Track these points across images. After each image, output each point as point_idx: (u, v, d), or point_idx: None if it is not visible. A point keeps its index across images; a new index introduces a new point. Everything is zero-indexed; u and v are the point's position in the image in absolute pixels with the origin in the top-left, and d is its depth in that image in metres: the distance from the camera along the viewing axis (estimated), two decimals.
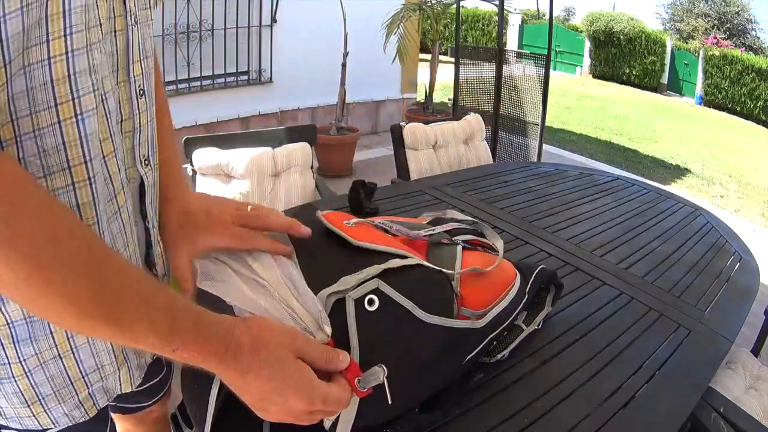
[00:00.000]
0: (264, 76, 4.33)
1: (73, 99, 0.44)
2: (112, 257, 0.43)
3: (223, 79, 4.10)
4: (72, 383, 0.55)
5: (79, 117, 0.45)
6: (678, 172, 5.74)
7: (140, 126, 0.57)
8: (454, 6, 4.44)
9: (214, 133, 2.11)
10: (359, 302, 0.57)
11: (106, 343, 0.57)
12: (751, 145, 8.05)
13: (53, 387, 0.54)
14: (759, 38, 15.02)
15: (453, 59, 4.19)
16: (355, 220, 0.73)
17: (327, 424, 0.57)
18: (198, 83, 3.91)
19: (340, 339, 0.56)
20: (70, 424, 0.57)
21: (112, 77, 0.52)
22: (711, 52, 12.23)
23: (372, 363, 0.57)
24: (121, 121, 0.55)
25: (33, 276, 0.37)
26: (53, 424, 0.55)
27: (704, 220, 1.69)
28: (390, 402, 0.56)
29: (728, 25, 14.96)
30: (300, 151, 1.78)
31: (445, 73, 6.95)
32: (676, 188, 4.92)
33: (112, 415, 0.71)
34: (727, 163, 6.42)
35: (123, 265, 0.44)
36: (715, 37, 13.86)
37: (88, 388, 0.57)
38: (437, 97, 6.44)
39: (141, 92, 0.57)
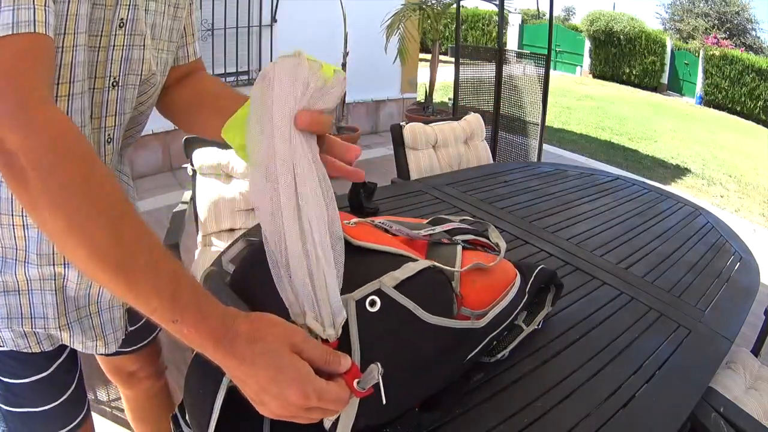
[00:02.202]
0: None
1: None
2: (135, 218, 0.48)
3: (223, 79, 4.09)
4: (21, 317, 0.68)
5: None
6: (678, 172, 5.73)
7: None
8: (454, 6, 4.44)
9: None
10: (360, 303, 0.57)
11: (54, 301, 0.69)
12: (751, 145, 8.05)
13: (8, 312, 0.67)
14: (759, 38, 15.02)
15: (453, 59, 4.19)
16: (355, 219, 0.73)
17: (327, 424, 0.57)
18: None
19: (341, 339, 0.56)
20: (14, 350, 0.70)
21: (89, 126, 0.63)
22: (711, 52, 12.22)
23: (372, 363, 0.57)
24: None
25: (64, 208, 0.44)
26: (1, 343, 0.69)
27: (704, 220, 1.69)
28: (384, 403, 0.56)
29: (728, 24, 14.96)
30: None
31: (445, 73, 6.95)
32: (676, 188, 4.92)
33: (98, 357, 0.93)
34: (727, 163, 6.42)
35: (142, 227, 0.48)
36: (715, 37, 13.86)
37: (33, 327, 0.70)
38: (437, 97, 6.44)
39: (109, 140, 0.67)
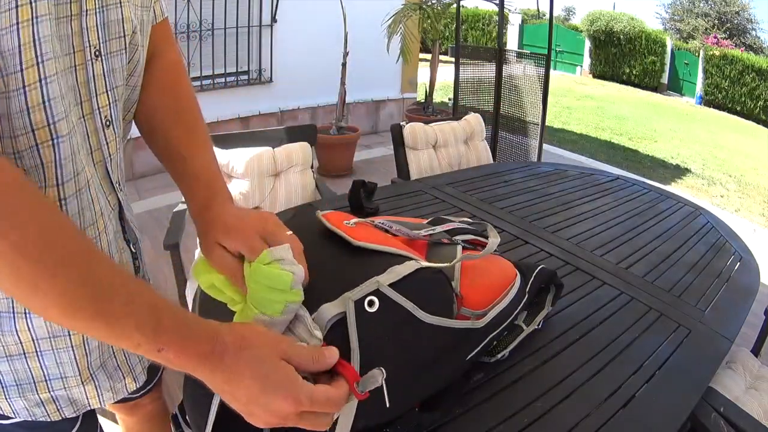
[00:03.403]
0: (264, 76, 4.33)
1: (49, 125, 0.46)
2: (100, 256, 0.44)
3: (223, 79, 4.10)
4: (34, 382, 0.58)
5: (57, 140, 0.48)
6: (678, 171, 5.73)
7: (110, 154, 0.59)
8: (454, 6, 4.44)
9: (214, 133, 2.10)
10: (359, 303, 0.57)
11: (71, 356, 0.59)
12: (751, 145, 8.05)
13: (16, 380, 0.57)
14: (759, 38, 15.01)
15: (453, 59, 4.19)
16: (355, 219, 0.73)
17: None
18: (198, 83, 3.90)
19: (340, 340, 0.56)
20: (30, 419, 0.60)
21: (77, 110, 0.53)
22: (711, 52, 12.22)
23: (372, 363, 0.57)
24: (92, 151, 0.56)
25: (23, 268, 0.39)
26: (13, 414, 0.58)
27: (704, 220, 1.69)
28: (388, 405, 0.56)
29: (728, 24, 14.95)
30: (300, 150, 1.78)
31: (445, 72, 6.95)
32: (676, 188, 4.92)
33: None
34: (727, 163, 6.41)
35: (110, 264, 0.45)
36: (715, 37, 13.86)
37: (50, 392, 0.59)
38: (437, 97, 6.44)
39: (107, 123, 0.58)
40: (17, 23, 0.42)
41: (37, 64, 0.44)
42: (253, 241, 0.57)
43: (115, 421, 1.55)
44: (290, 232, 0.60)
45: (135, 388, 0.71)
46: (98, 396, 0.64)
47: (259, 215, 0.62)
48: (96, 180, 0.56)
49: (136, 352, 0.45)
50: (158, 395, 1.01)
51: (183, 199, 1.91)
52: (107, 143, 0.58)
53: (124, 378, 0.69)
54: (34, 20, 0.44)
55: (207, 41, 3.93)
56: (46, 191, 0.48)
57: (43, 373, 0.58)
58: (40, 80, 0.45)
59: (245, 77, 4.25)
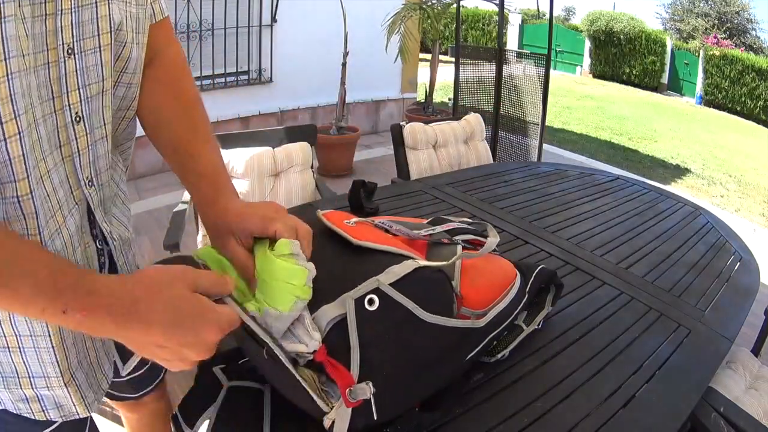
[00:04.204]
0: (264, 76, 4.33)
1: (15, 117, 0.47)
2: (3, 234, 0.45)
3: (223, 79, 4.10)
4: (18, 377, 0.58)
5: (22, 134, 0.48)
6: (678, 171, 5.73)
7: (79, 150, 0.58)
8: (454, 6, 4.44)
9: (214, 133, 2.10)
10: (359, 302, 0.57)
11: (53, 358, 0.58)
12: (751, 145, 8.05)
13: (1, 370, 0.57)
14: (759, 38, 15.01)
15: (453, 59, 4.19)
16: (355, 219, 0.73)
17: (327, 423, 0.57)
18: (198, 83, 3.89)
19: (340, 338, 0.56)
20: (14, 412, 0.60)
21: (48, 104, 0.54)
22: (711, 52, 12.22)
23: (372, 362, 0.57)
24: (60, 146, 0.56)
25: None
26: (1, 402, 0.59)
27: (704, 220, 1.69)
28: (376, 418, 0.56)
29: (728, 24, 14.95)
30: (300, 150, 1.78)
31: (445, 72, 6.96)
32: (676, 188, 4.92)
33: (105, 399, 0.75)
34: (727, 163, 6.41)
35: (12, 238, 0.46)
36: (715, 37, 13.86)
37: (34, 389, 0.59)
38: (437, 97, 6.45)
39: (78, 119, 0.58)
40: None
41: (3, 60, 0.45)
42: (267, 221, 0.59)
43: (116, 421, 1.55)
44: (294, 216, 0.62)
45: (107, 385, 0.70)
46: (83, 399, 0.63)
47: (264, 202, 0.65)
48: (59, 174, 0.56)
49: (42, 318, 0.45)
50: (161, 394, 1.02)
51: (183, 199, 1.91)
52: (76, 138, 0.58)
53: (97, 376, 0.68)
54: (2, 20, 0.44)
55: (207, 41, 3.93)
56: (18, 184, 0.49)
57: (27, 369, 0.58)
58: (5, 75, 0.45)
59: (245, 77, 4.25)
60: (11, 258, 0.44)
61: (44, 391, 0.60)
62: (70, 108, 0.56)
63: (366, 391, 0.55)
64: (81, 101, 0.58)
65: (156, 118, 0.71)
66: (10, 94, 0.46)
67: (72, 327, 0.46)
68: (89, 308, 0.45)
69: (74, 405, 0.63)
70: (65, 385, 0.61)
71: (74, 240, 0.58)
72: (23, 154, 0.48)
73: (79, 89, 0.57)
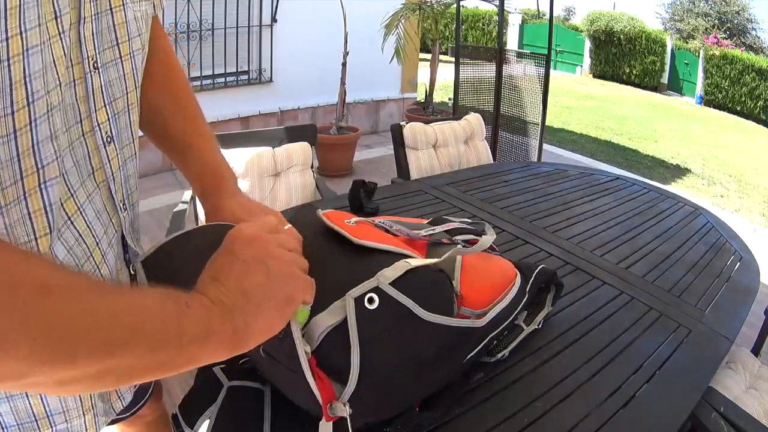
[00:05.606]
0: (264, 76, 4.33)
1: (37, 170, 0.42)
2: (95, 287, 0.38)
3: (223, 79, 4.10)
4: (36, 420, 0.54)
5: (43, 186, 0.43)
6: (678, 171, 5.73)
7: (113, 173, 0.55)
8: (454, 6, 4.43)
9: (214, 133, 2.11)
10: (359, 300, 0.57)
11: None
12: (751, 145, 8.05)
13: (17, 420, 0.53)
14: (759, 38, 15.00)
15: (453, 59, 4.19)
16: (356, 218, 0.73)
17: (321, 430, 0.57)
18: (198, 83, 3.91)
19: (336, 343, 0.55)
20: None
21: (76, 129, 0.49)
22: (711, 52, 12.21)
23: (372, 361, 0.57)
24: (93, 172, 0.52)
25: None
26: None
27: (704, 220, 1.69)
28: None
29: (728, 24, 14.94)
30: (300, 150, 1.78)
31: (445, 72, 6.95)
32: (676, 188, 4.91)
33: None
34: (727, 163, 6.41)
35: (109, 293, 0.39)
36: (715, 37, 13.85)
37: (52, 427, 0.56)
38: (437, 97, 6.44)
39: (108, 139, 0.53)
40: (7, 59, 0.37)
41: (28, 104, 0.39)
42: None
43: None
44: (289, 226, 0.60)
45: (121, 408, 0.67)
46: (95, 425, 0.61)
47: (262, 211, 0.63)
48: (95, 205, 0.52)
49: (160, 373, 0.39)
50: (157, 405, 0.99)
51: (183, 199, 1.91)
52: (109, 161, 0.54)
53: (111, 399, 0.65)
54: (26, 54, 0.38)
55: (207, 41, 3.93)
56: (39, 241, 0.42)
57: (45, 409, 0.54)
58: (31, 122, 0.40)
59: (245, 77, 4.25)
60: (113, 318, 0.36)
61: (61, 426, 0.57)
62: (100, 128, 0.52)
63: (343, 410, 0.54)
64: (109, 119, 0.53)
65: (150, 110, 0.68)
66: (50, 134, 0.41)
67: (185, 365, 0.40)
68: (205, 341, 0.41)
69: (86, 429, 0.60)
70: (84, 413, 0.58)
71: (112, 273, 0.55)
72: (45, 206, 0.43)
73: (105, 106, 0.52)
